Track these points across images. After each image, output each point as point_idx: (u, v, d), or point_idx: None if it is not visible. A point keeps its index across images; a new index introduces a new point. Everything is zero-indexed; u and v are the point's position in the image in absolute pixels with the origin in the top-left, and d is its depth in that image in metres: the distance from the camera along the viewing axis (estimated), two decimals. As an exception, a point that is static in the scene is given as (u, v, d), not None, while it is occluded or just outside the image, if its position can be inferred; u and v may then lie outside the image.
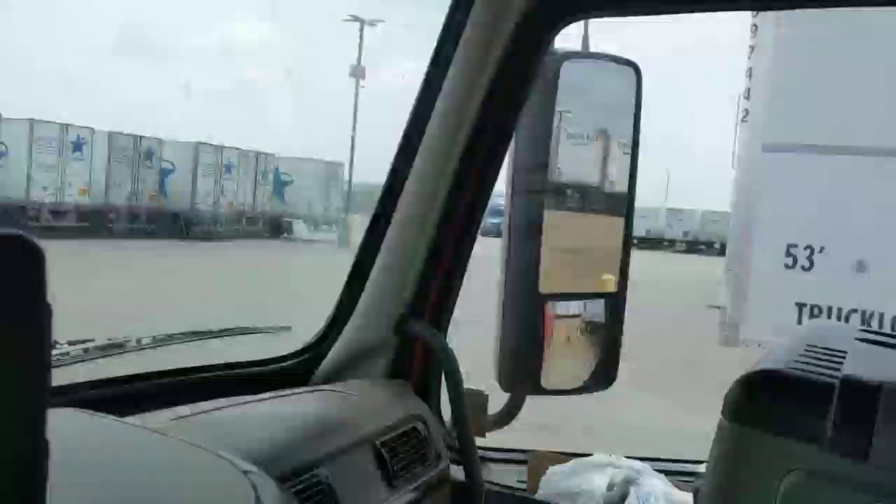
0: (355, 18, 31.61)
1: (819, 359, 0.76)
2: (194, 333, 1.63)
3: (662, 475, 1.57)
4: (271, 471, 1.12)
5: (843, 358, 0.78)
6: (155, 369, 1.50)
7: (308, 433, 1.31)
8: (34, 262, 0.50)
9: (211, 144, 27.99)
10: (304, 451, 1.24)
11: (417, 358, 1.76)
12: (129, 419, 1.12)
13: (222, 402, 1.35)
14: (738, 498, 0.71)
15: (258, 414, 1.34)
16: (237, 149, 28.78)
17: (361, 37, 31.62)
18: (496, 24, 1.59)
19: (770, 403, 0.70)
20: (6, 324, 0.49)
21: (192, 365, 1.59)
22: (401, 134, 1.72)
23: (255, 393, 1.46)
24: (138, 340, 1.52)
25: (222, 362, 1.64)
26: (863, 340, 0.92)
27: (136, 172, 25.84)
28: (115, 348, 1.47)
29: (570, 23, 1.66)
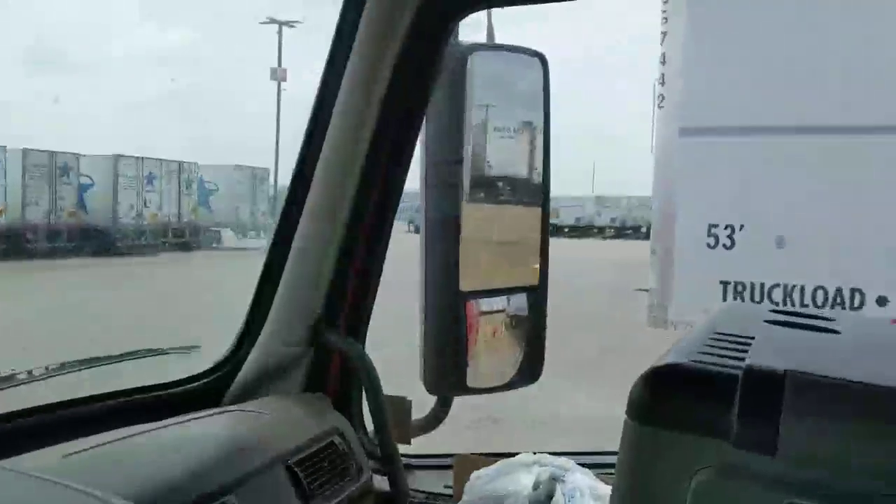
0: (273, 21, 31.15)
1: (725, 347, 0.73)
2: (92, 360, 1.52)
3: (588, 470, 1.55)
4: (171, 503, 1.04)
5: (750, 344, 0.75)
6: (52, 401, 1.40)
7: (215, 458, 1.23)
8: None
9: (131, 156, 27.18)
10: (210, 478, 1.17)
11: (335, 368, 1.69)
12: (7, 461, 1.03)
13: (122, 432, 1.26)
14: (648, 499, 0.67)
15: (160, 442, 1.26)
16: (159, 159, 28.00)
17: (280, 39, 31.19)
18: (392, 17, 1.53)
19: (673, 400, 0.67)
20: None
21: (94, 393, 1.49)
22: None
23: (165, 418, 1.37)
24: (29, 372, 1.41)
25: (127, 388, 1.54)
26: (772, 322, 0.89)
27: (53, 189, 24.88)
28: (1, 382, 1.36)
29: (470, 13, 1.62)
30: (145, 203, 27.00)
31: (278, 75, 30.67)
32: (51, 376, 1.44)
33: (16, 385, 1.39)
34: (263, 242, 24.98)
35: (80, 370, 1.50)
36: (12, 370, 1.40)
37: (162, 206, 27.56)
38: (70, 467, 1.09)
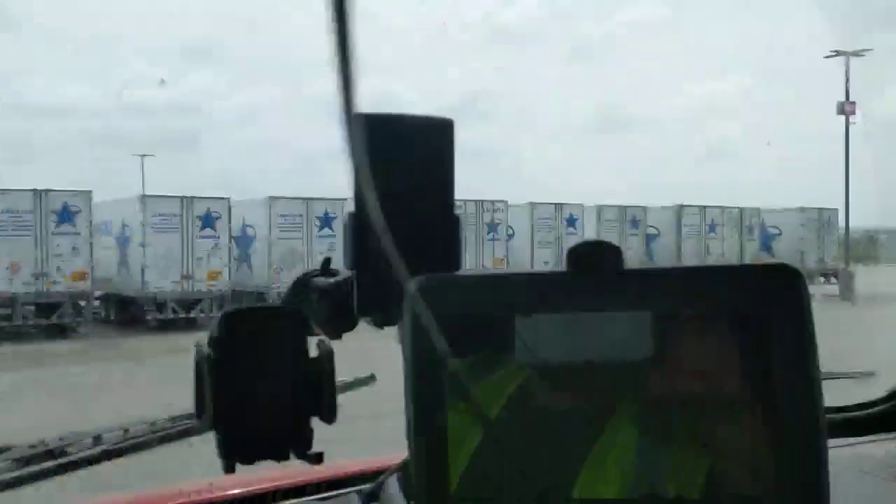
0: (838, 53, 29.29)
1: None
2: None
3: None
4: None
5: None
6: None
7: None
8: (799, 284, 0.64)
9: (694, 206, 28.29)
10: None
11: None
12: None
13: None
14: None
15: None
16: (720, 207, 28.56)
17: (847, 71, 29.12)
18: None
19: None
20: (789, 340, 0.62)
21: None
22: None
23: (853, 436, 1.47)
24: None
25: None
26: None
27: (623, 239, 27.26)
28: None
29: None
30: (707, 250, 27.73)
31: (846, 109, 28.62)
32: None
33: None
34: (835, 289, 23.24)
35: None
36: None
37: (724, 253, 27.95)
38: None
